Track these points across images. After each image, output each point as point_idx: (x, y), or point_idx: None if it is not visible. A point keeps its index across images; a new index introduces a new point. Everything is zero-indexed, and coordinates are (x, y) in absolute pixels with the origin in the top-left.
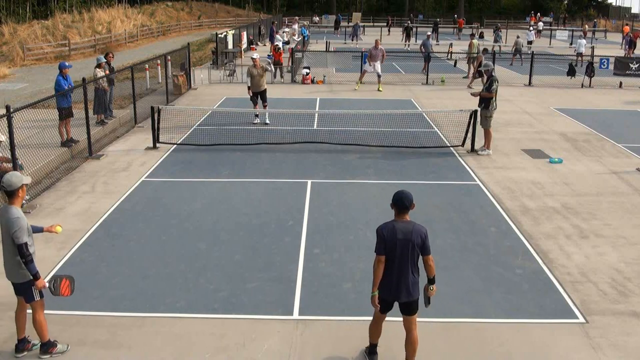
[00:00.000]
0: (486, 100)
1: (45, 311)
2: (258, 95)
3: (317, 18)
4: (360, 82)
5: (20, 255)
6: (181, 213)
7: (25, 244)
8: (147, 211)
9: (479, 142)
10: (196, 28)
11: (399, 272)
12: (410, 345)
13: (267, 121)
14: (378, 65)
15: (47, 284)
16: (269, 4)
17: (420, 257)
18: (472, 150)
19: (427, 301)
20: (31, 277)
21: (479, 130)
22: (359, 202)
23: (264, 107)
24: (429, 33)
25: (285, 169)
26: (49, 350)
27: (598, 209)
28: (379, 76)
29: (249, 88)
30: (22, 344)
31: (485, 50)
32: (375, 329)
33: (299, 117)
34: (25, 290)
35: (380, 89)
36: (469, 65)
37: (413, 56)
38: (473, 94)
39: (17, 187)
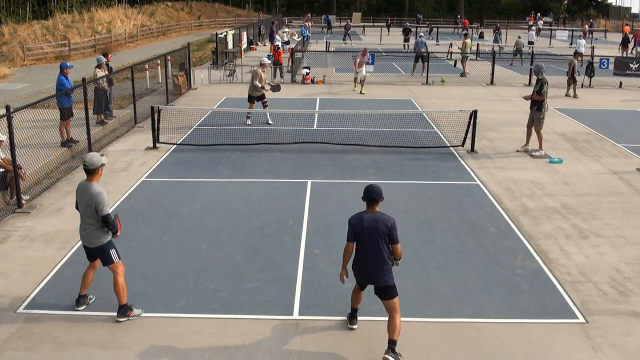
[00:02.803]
0: (538, 103)
1: (47, 311)
2: (257, 97)
3: (310, 22)
4: (357, 84)
5: (106, 224)
6: (181, 213)
7: (109, 214)
8: (147, 211)
9: (479, 142)
10: (196, 28)
11: (367, 257)
12: (391, 328)
13: (270, 121)
14: (364, 69)
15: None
16: (268, 4)
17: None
18: (472, 150)
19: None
20: (106, 242)
21: (479, 130)
22: (359, 202)
23: (264, 106)
24: (422, 33)
25: (285, 169)
26: (127, 313)
27: (598, 209)
28: (363, 79)
29: (263, 88)
30: (82, 299)
31: (576, 54)
32: (356, 296)
33: (299, 117)
34: (102, 253)
35: (363, 91)
36: (463, 65)
37: (413, 56)
38: (525, 98)
39: (98, 165)
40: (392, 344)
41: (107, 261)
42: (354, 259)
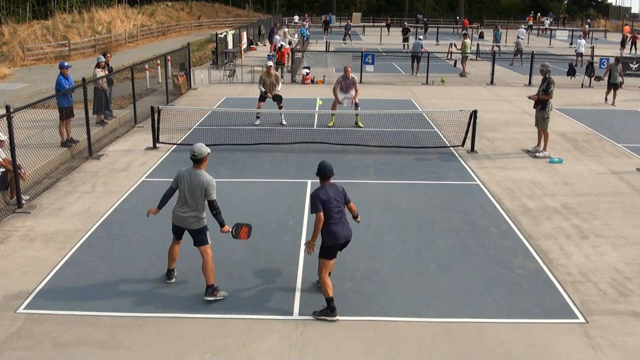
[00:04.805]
0: (543, 102)
1: (47, 311)
2: (268, 96)
3: (307, 22)
4: (332, 118)
5: (212, 208)
6: None
7: (216, 200)
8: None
9: (479, 142)
10: (196, 28)
11: (339, 220)
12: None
13: (284, 122)
14: (353, 94)
15: (230, 229)
16: (269, 4)
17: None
18: (472, 150)
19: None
20: (203, 226)
21: (479, 130)
22: (358, 202)
23: (280, 107)
24: (421, 36)
25: (285, 169)
26: (214, 293)
27: (598, 209)
28: (356, 106)
29: (265, 92)
30: (171, 272)
31: (617, 60)
32: (329, 282)
33: (299, 117)
34: (201, 234)
35: (360, 124)
36: (462, 65)
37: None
38: (530, 97)
39: (205, 155)
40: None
41: (202, 242)
42: (330, 229)
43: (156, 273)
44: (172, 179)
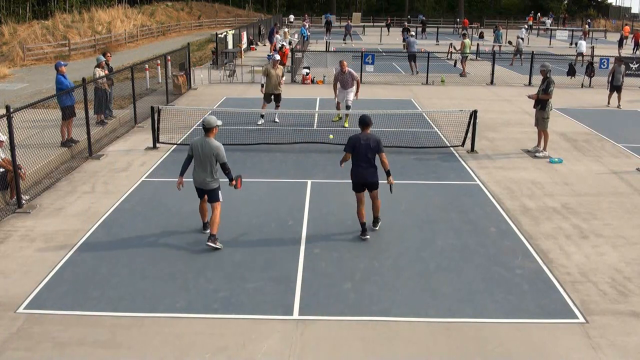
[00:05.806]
0: (543, 102)
1: (47, 311)
2: (272, 96)
3: (307, 22)
4: (339, 117)
5: (225, 169)
6: (181, 213)
7: (226, 162)
8: (147, 211)
9: (479, 142)
10: (196, 28)
11: (364, 163)
12: (375, 208)
13: (277, 119)
14: (351, 94)
15: (234, 183)
16: (269, 4)
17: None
18: (472, 150)
19: (390, 189)
20: (217, 186)
21: (479, 130)
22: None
23: (277, 107)
24: (413, 33)
25: (285, 169)
26: (214, 241)
27: (598, 209)
28: (347, 107)
29: (262, 86)
30: (207, 224)
31: (618, 59)
32: (360, 211)
33: (299, 117)
34: (215, 193)
35: (346, 124)
36: (462, 65)
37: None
38: (530, 97)
39: (214, 125)
40: (376, 220)
41: (215, 199)
42: (354, 168)
43: (156, 273)
44: (173, 179)
